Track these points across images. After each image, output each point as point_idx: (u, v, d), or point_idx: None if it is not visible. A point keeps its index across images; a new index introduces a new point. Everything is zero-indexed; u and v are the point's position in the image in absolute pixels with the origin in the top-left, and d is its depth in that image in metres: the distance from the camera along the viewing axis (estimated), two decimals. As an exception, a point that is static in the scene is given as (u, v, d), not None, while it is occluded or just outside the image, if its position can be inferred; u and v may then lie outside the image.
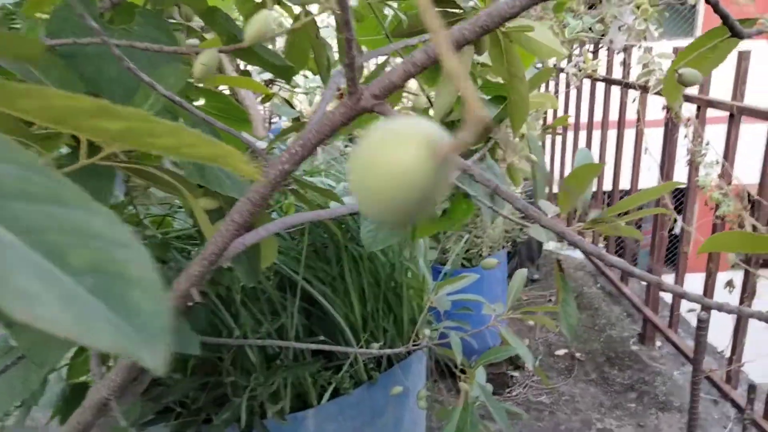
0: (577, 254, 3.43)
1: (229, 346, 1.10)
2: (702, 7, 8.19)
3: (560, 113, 3.46)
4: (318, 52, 0.81)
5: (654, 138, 2.33)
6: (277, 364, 1.09)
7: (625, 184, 2.69)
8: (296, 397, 1.18)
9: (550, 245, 3.72)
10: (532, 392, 2.22)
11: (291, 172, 0.42)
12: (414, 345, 1.20)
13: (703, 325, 1.29)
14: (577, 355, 2.44)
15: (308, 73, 1.89)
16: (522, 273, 1.17)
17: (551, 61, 3.04)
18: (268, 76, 1.71)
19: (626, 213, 0.84)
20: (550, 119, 3.71)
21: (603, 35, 2.39)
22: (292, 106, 1.63)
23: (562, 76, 3.04)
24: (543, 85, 3.61)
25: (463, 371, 1.08)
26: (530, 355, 1.04)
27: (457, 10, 0.83)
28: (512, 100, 0.84)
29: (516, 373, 2.33)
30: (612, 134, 2.71)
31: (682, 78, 0.46)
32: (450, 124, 0.97)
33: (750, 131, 1.88)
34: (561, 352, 2.48)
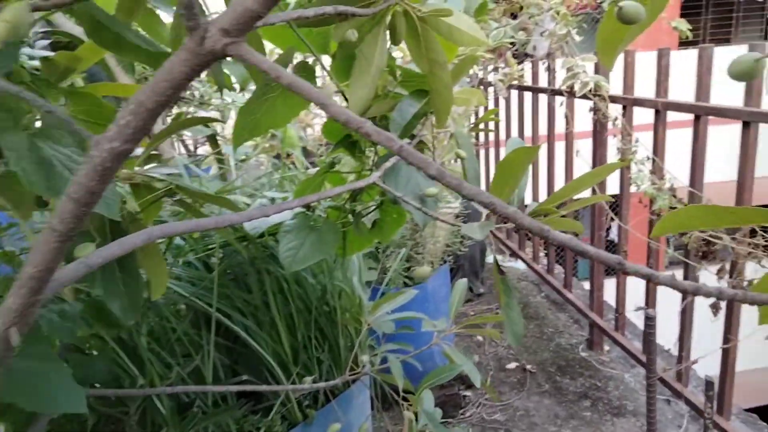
0: (520, 265, 3.41)
1: (135, 398, 0.95)
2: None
3: (489, 126, 3.46)
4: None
5: (584, 145, 2.34)
6: (193, 413, 0.94)
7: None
8: (221, 448, 1.03)
9: (492, 258, 3.69)
10: (486, 411, 2.12)
11: (126, 152, 0.30)
12: (353, 374, 1.08)
13: (650, 322, 1.24)
14: (528, 366, 2.38)
15: (227, 92, 1.76)
16: (462, 283, 1.08)
17: (479, 73, 3.04)
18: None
19: (563, 205, 0.76)
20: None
21: (525, 44, 2.39)
22: (206, 125, 1.49)
23: (490, 89, 3.04)
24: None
25: (405, 398, 0.97)
26: (477, 372, 0.94)
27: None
28: (435, 90, 0.75)
29: (468, 393, 2.24)
30: (543, 148, 2.71)
31: (622, 12, 0.38)
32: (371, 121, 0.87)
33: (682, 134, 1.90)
34: (512, 365, 2.41)
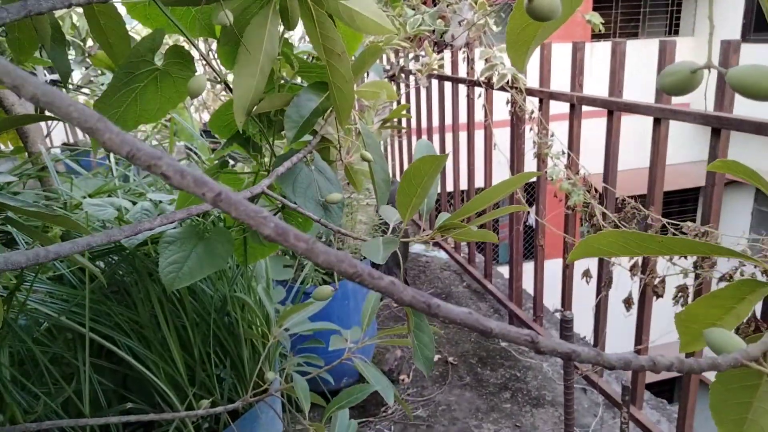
0: (443, 255, 3.41)
1: (-8, 439, 0.81)
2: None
3: (412, 115, 3.42)
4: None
5: (503, 135, 2.33)
6: (65, 453, 0.82)
7: (479, 182, 2.69)
8: (104, 486, 0.91)
9: (416, 247, 3.67)
10: (409, 407, 2.08)
11: None
12: (257, 393, 0.99)
13: (568, 325, 1.22)
14: (450, 359, 2.37)
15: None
16: (374, 296, 1.01)
17: (401, 61, 2.97)
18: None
19: (483, 212, 0.70)
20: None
21: (444, 33, 2.34)
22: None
23: (412, 78, 2.98)
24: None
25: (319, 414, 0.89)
26: (391, 389, 0.87)
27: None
28: (333, 84, 0.66)
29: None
30: (462, 135, 2.69)
31: (533, 6, 0.31)
32: (263, 117, 0.77)
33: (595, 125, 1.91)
34: (434, 358, 2.39)
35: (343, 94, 0.67)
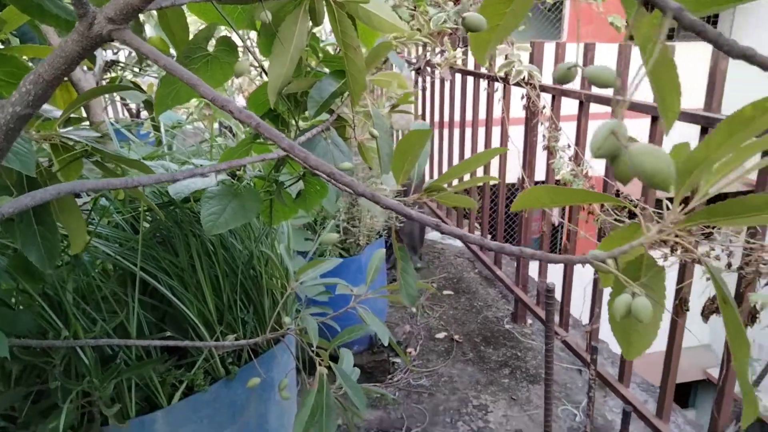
0: (458, 242, 3.55)
1: (60, 351, 0.99)
2: (567, 13, 8.86)
3: (435, 109, 3.55)
4: None
5: (517, 132, 2.45)
6: (116, 365, 1.00)
7: (494, 171, 2.82)
8: (145, 400, 1.09)
9: (432, 234, 3.82)
10: (413, 376, 2.25)
11: (27, 117, 0.36)
12: (274, 334, 1.15)
13: (550, 294, 1.36)
14: (456, 337, 2.52)
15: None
16: (380, 253, 1.16)
17: (428, 55, 3.11)
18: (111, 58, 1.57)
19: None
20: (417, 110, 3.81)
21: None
22: (140, 89, 1.51)
23: (437, 72, 3.11)
24: (413, 81, 3.68)
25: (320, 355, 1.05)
26: (386, 331, 1.03)
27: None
28: (349, 72, 0.81)
29: (398, 360, 2.35)
30: (481, 130, 2.82)
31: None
32: (291, 98, 0.93)
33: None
34: (441, 335, 2.54)
35: (356, 81, 0.82)
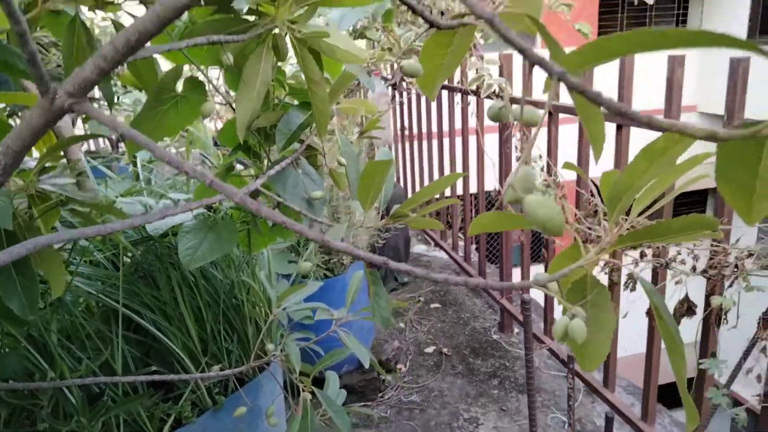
0: (443, 255, 3.58)
1: (47, 392, 1.00)
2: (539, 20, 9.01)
3: (413, 121, 3.61)
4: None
5: (494, 141, 2.51)
6: (103, 402, 1.01)
7: (473, 188, 2.87)
8: (133, 436, 1.10)
9: (417, 248, 3.85)
10: (404, 393, 2.26)
11: (0, 184, 0.38)
12: (258, 362, 1.17)
13: (527, 305, 1.39)
14: (445, 350, 2.54)
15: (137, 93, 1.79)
16: (359, 275, 1.18)
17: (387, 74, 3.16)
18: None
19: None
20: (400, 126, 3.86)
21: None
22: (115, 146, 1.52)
23: (412, 88, 3.17)
24: (390, 96, 3.74)
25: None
26: (367, 355, 1.05)
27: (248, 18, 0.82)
28: (314, 105, 0.85)
29: (389, 377, 2.37)
30: (458, 140, 2.87)
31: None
32: (261, 131, 0.96)
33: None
34: (430, 349, 2.56)
35: (321, 113, 0.85)
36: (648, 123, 0.29)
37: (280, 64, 0.96)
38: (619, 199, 0.44)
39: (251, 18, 0.84)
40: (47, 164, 0.69)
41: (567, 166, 0.68)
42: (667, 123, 0.28)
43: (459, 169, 2.93)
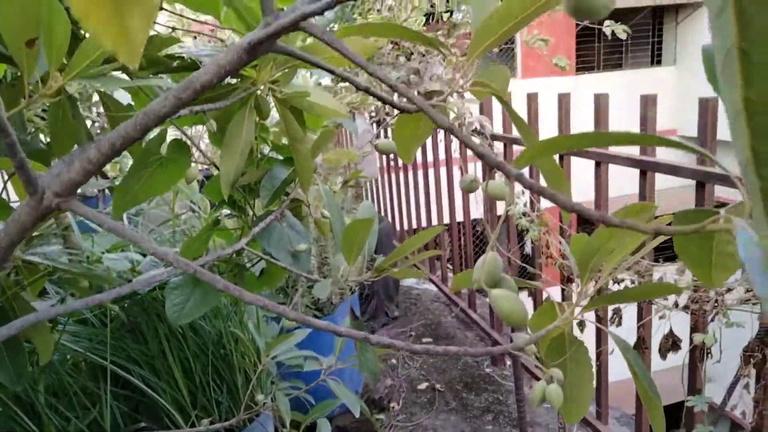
0: (433, 287, 3.58)
1: (31, 455, 0.99)
2: (519, 51, 9.24)
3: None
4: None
5: (478, 170, 2.55)
6: (91, 464, 0.99)
7: (459, 216, 2.90)
8: (122, 495, 1.08)
9: (408, 281, 3.85)
10: (398, 432, 2.24)
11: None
12: (248, 413, 1.17)
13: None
14: (438, 386, 2.52)
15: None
16: (345, 323, 1.19)
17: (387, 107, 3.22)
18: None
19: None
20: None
21: (418, 85, 2.58)
22: (104, 175, 1.54)
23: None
24: (374, 133, 3.80)
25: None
26: (357, 404, 1.05)
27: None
28: (296, 160, 0.87)
29: (381, 416, 2.34)
30: (443, 171, 2.92)
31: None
32: (246, 187, 0.97)
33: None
34: (423, 385, 2.55)
35: (304, 169, 0.87)
36: (600, 219, 0.31)
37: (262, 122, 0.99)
38: (588, 264, 0.46)
39: (233, 80, 0.87)
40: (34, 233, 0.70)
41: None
42: (618, 221, 0.30)
43: (444, 198, 2.96)
